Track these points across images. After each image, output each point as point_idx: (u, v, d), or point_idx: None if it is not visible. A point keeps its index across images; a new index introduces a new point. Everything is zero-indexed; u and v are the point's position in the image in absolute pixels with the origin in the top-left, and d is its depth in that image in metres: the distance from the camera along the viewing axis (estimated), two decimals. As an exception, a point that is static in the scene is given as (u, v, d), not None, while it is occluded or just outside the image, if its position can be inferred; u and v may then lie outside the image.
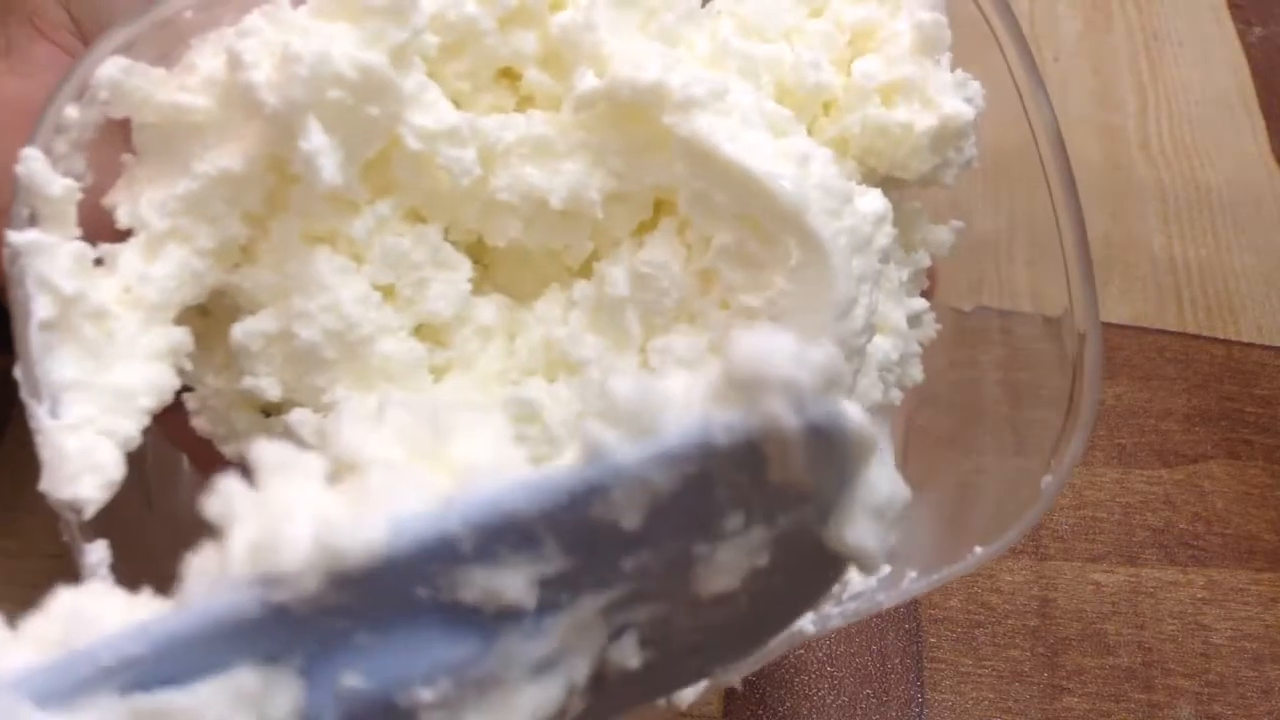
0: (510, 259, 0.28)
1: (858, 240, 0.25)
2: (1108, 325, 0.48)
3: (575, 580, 0.15)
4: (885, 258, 0.27)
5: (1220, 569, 0.42)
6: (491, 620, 0.15)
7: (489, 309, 0.27)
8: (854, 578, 0.25)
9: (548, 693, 0.16)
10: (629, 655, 0.17)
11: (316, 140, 0.23)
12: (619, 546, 0.15)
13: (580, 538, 0.15)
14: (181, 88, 0.25)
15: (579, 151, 0.25)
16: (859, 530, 0.15)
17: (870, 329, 0.26)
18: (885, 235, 0.26)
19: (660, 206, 0.27)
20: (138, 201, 0.25)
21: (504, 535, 0.14)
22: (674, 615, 0.17)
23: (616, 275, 0.26)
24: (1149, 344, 0.48)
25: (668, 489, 0.15)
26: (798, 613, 0.19)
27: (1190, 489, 0.44)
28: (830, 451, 0.15)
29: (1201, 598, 0.41)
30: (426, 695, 0.15)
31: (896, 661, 0.38)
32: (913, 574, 0.27)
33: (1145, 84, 0.57)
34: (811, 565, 0.17)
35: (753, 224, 0.25)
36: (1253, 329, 0.49)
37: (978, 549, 0.27)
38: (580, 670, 0.16)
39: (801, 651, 0.38)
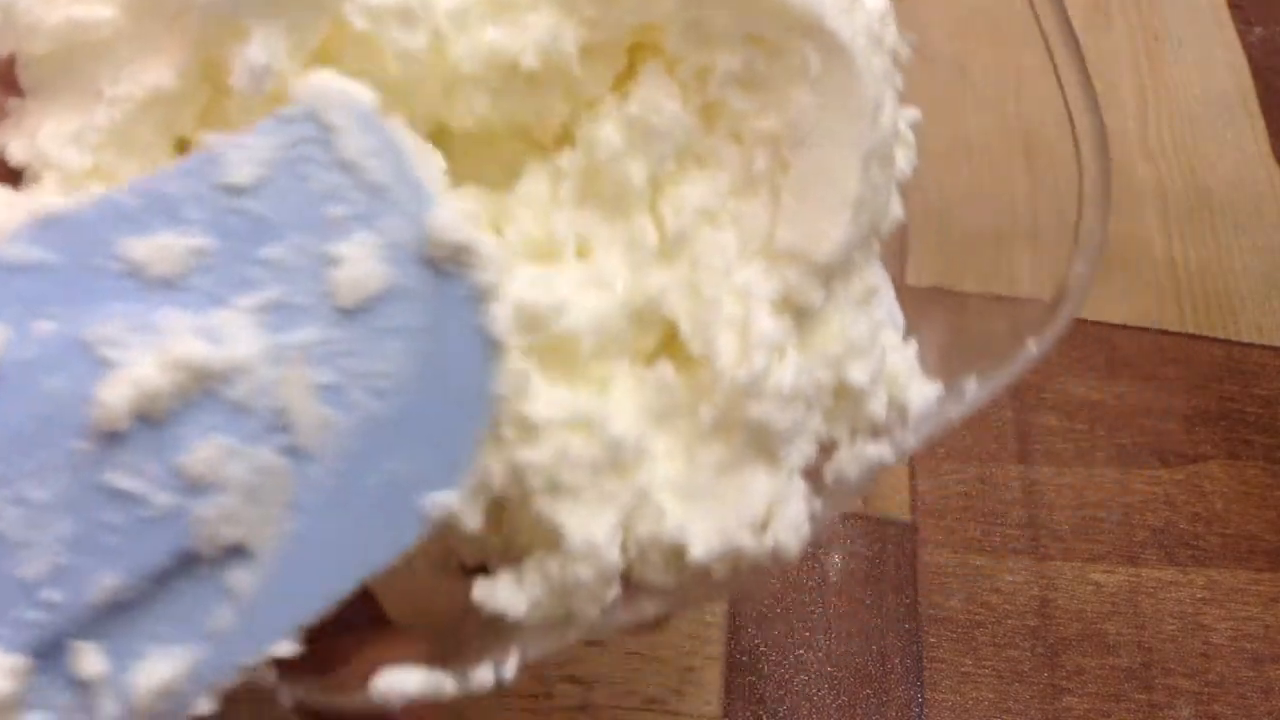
0: (475, 145, 0.24)
1: (872, 38, 0.23)
2: (1108, 325, 0.48)
3: (226, 268, 0.18)
4: (894, 57, 0.25)
5: (1220, 569, 0.42)
6: (161, 287, 0.18)
7: (467, 202, 0.23)
8: (913, 399, 0.24)
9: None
10: (309, 403, 0.18)
11: (259, 34, 0.20)
12: (251, 231, 0.18)
13: (216, 214, 0.18)
14: (77, 1, 0.21)
15: (545, 2, 0.23)
16: (445, 218, 0.18)
17: (895, 132, 0.24)
18: (891, 32, 0.25)
19: (636, 53, 0.24)
20: (34, 136, 0.22)
21: (157, 207, 0.18)
22: (341, 348, 0.18)
23: (606, 131, 0.23)
24: (1149, 344, 0.48)
25: (268, 157, 0.19)
26: (478, 404, 0.19)
27: (1190, 489, 0.44)
28: (391, 154, 0.19)
29: (1201, 598, 0.41)
30: (107, 329, 0.17)
31: (896, 661, 0.38)
32: (973, 381, 0.26)
33: (1145, 84, 0.57)
34: (464, 342, 0.19)
35: (759, 42, 0.23)
36: (1253, 329, 0.49)
37: (1030, 342, 0.26)
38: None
39: (801, 651, 0.38)
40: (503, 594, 0.20)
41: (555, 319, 0.20)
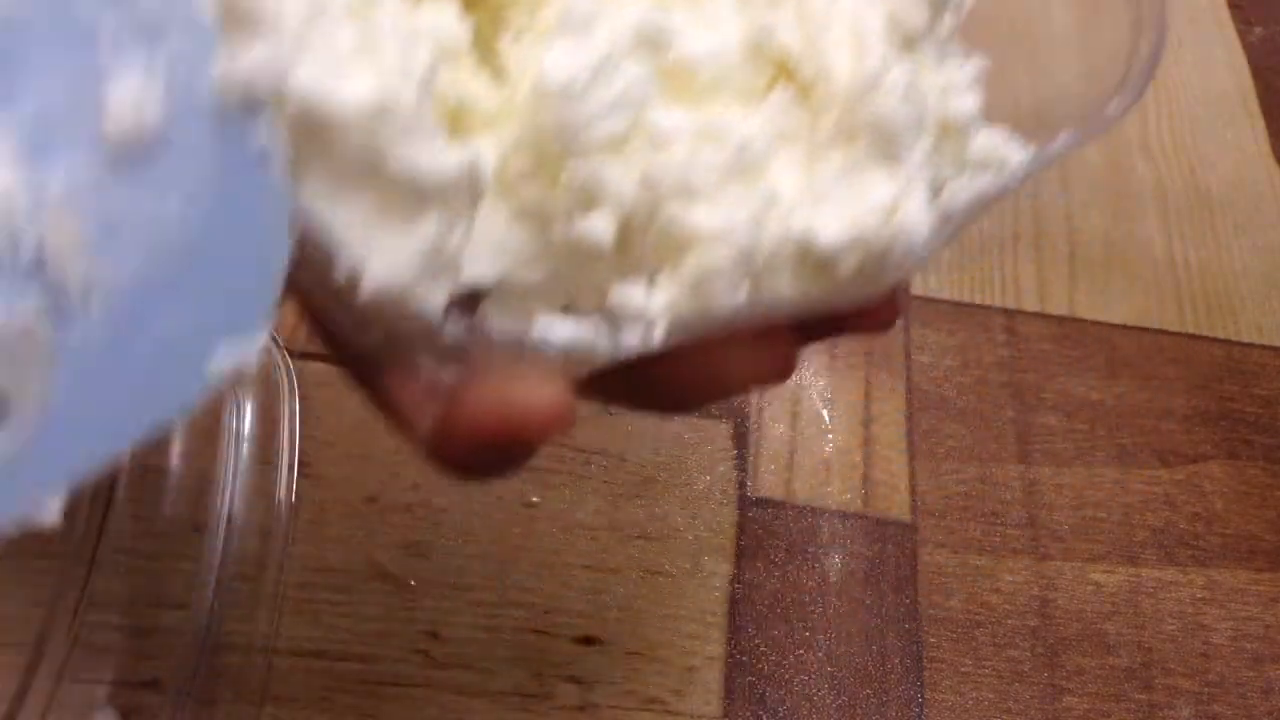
0: None
1: None
2: (1108, 325, 0.48)
3: None
4: None
5: (1220, 569, 0.42)
6: None
7: None
8: (1005, 145, 0.23)
9: None
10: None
11: None
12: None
13: None
14: None
15: None
16: (232, 63, 0.16)
17: None
18: None
19: None
20: None
21: None
22: (113, 191, 0.16)
23: None
24: (1149, 344, 0.48)
25: None
26: (270, 255, 0.17)
27: (1190, 489, 0.44)
28: None
29: (1201, 598, 0.41)
30: None
31: (896, 661, 0.38)
32: (1064, 134, 0.24)
33: (1145, 84, 0.57)
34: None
35: None
36: (1253, 329, 0.49)
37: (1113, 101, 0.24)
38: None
39: (801, 651, 0.38)
40: (637, 294, 0.19)
41: (671, 42, 0.20)
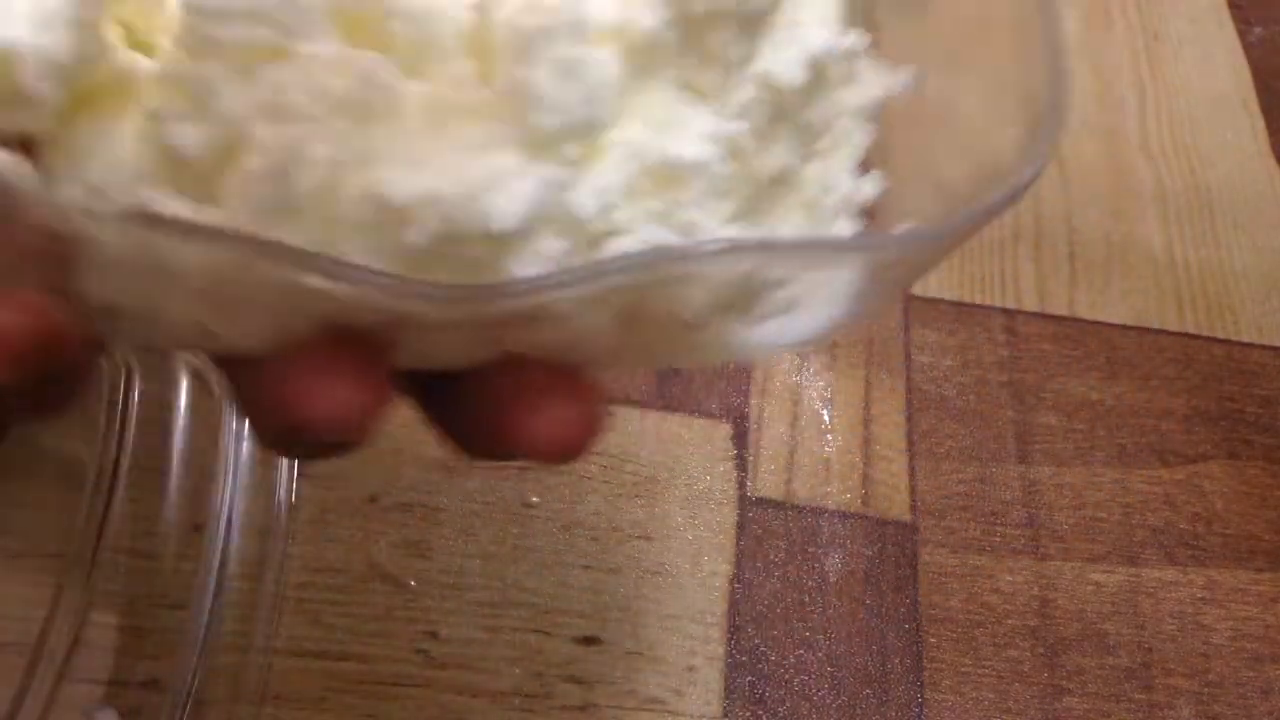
0: None
1: None
2: (1108, 325, 0.48)
3: None
4: None
5: (1220, 569, 0.42)
6: None
7: None
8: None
9: None
10: None
11: None
12: None
13: None
14: None
15: None
16: None
17: None
18: None
19: None
20: None
21: None
22: None
23: None
24: (1149, 344, 0.48)
25: None
26: None
27: (1190, 489, 0.44)
28: None
29: (1201, 598, 0.41)
30: None
31: (896, 661, 0.38)
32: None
33: (1145, 84, 0.57)
34: None
35: None
36: (1253, 329, 0.49)
37: None
38: None
39: (801, 651, 0.38)
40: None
41: None
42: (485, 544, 0.38)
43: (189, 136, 0.17)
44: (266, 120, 0.17)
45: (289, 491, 0.38)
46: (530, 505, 0.39)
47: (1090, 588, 0.41)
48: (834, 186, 0.22)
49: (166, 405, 0.38)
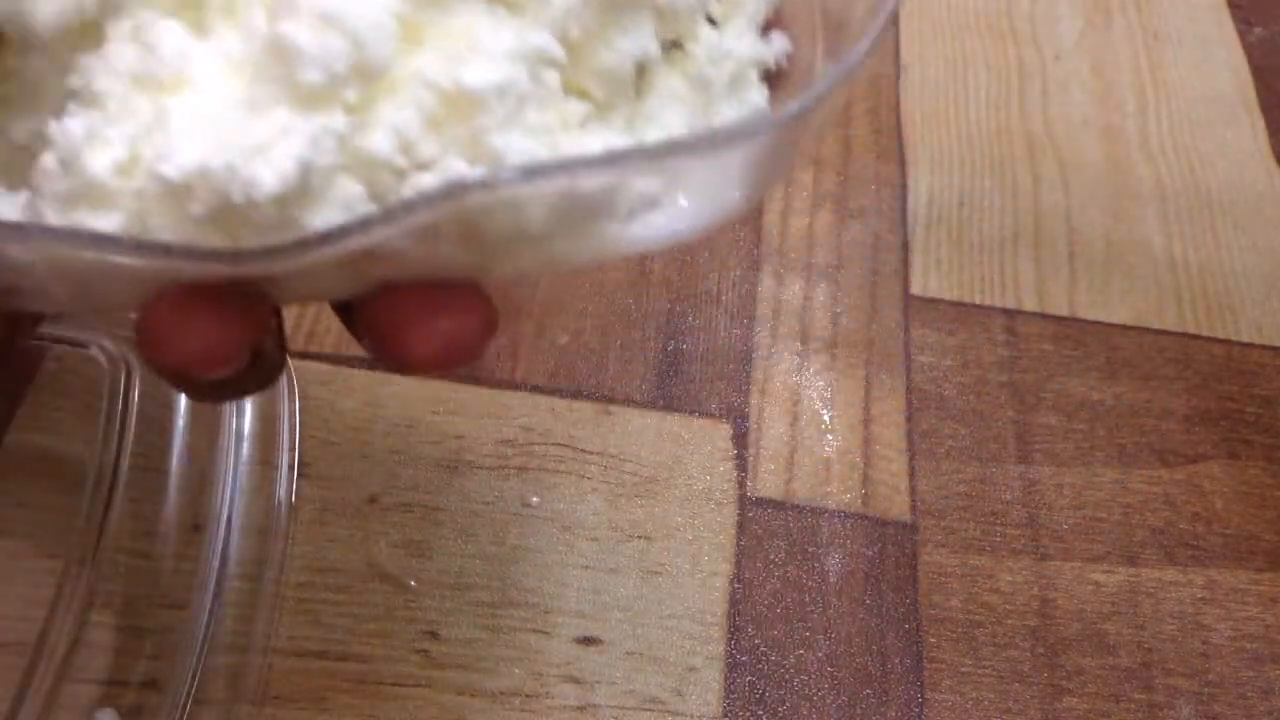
0: None
1: None
2: (1108, 325, 0.48)
3: None
4: None
5: (1220, 569, 0.42)
6: None
7: None
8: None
9: None
10: None
11: None
12: None
13: None
14: None
15: None
16: None
17: None
18: None
19: None
20: None
21: None
22: None
23: None
24: (1149, 344, 0.48)
25: None
26: None
27: (1190, 489, 0.44)
28: None
29: (1201, 598, 0.41)
30: None
31: (896, 661, 0.38)
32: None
33: (1145, 84, 0.57)
34: None
35: None
36: (1253, 329, 0.49)
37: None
38: None
39: (801, 651, 0.38)
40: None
41: None
42: (485, 544, 0.38)
43: (19, 132, 0.18)
44: (80, 106, 0.17)
45: (289, 491, 0.38)
46: (530, 505, 0.39)
47: (1090, 588, 0.41)
48: (727, 55, 0.21)
49: (166, 405, 0.38)
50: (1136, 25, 0.60)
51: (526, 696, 0.36)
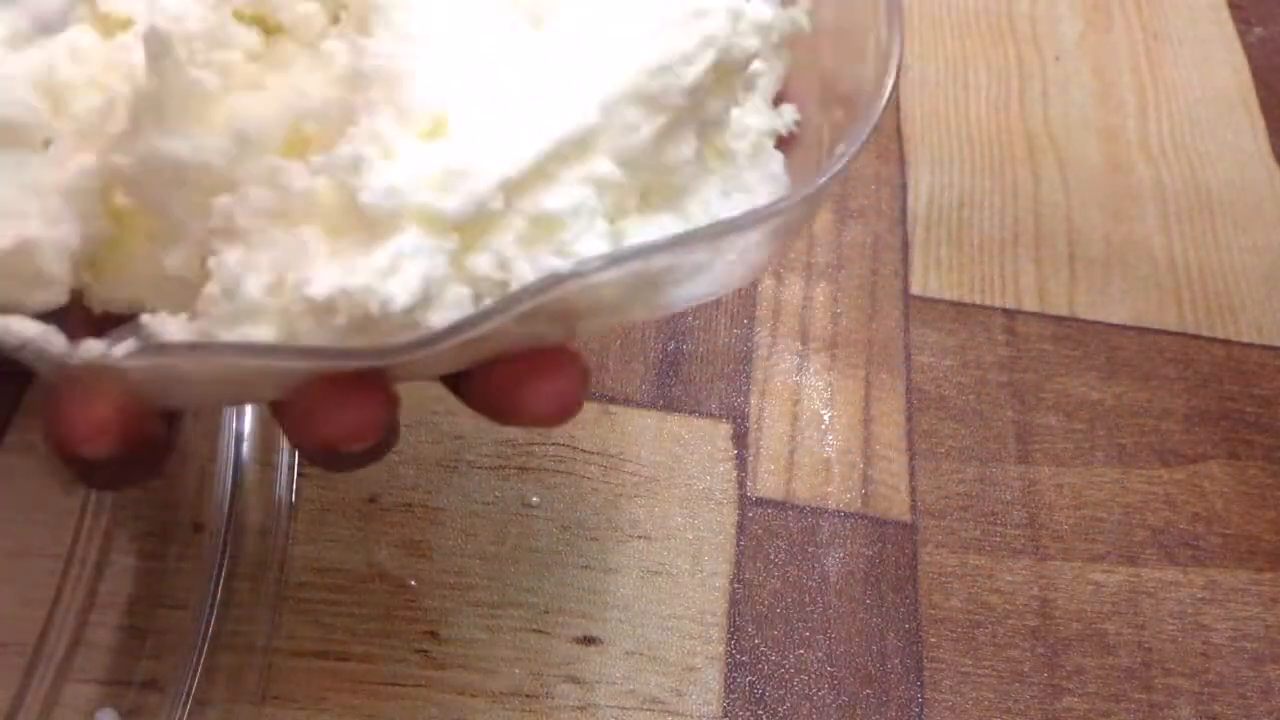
0: None
1: None
2: (1108, 325, 0.48)
3: None
4: None
5: (1220, 569, 0.42)
6: None
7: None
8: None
9: None
10: None
11: None
12: None
13: None
14: None
15: None
16: None
17: None
18: None
19: None
20: None
21: None
22: None
23: None
24: (1149, 344, 0.48)
25: None
26: None
27: (1190, 489, 0.44)
28: None
29: (1201, 598, 0.41)
30: None
31: (896, 661, 0.38)
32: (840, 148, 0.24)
33: (1145, 84, 0.57)
34: None
35: None
36: (1253, 329, 0.49)
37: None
38: None
39: (801, 651, 0.38)
40: (159, 322, 0.21)
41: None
42: (485, 544, 0.38)
43: (176, 258, 0.21)
44: (223, 242, 0.21)
45: (289, 491, 0.38)
46: (530, 505, 0.39)
47: (1090, 588, 0.41)
48: (747, 129, 0.25)
49: (166, 405, 0.38)
50: (1136, 25, 0.59)
51: (526, 696, 0.36)
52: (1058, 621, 0.40)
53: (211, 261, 0.21)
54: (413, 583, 0.37)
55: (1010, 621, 0.40)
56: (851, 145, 0.22)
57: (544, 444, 0.41)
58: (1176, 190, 0.53)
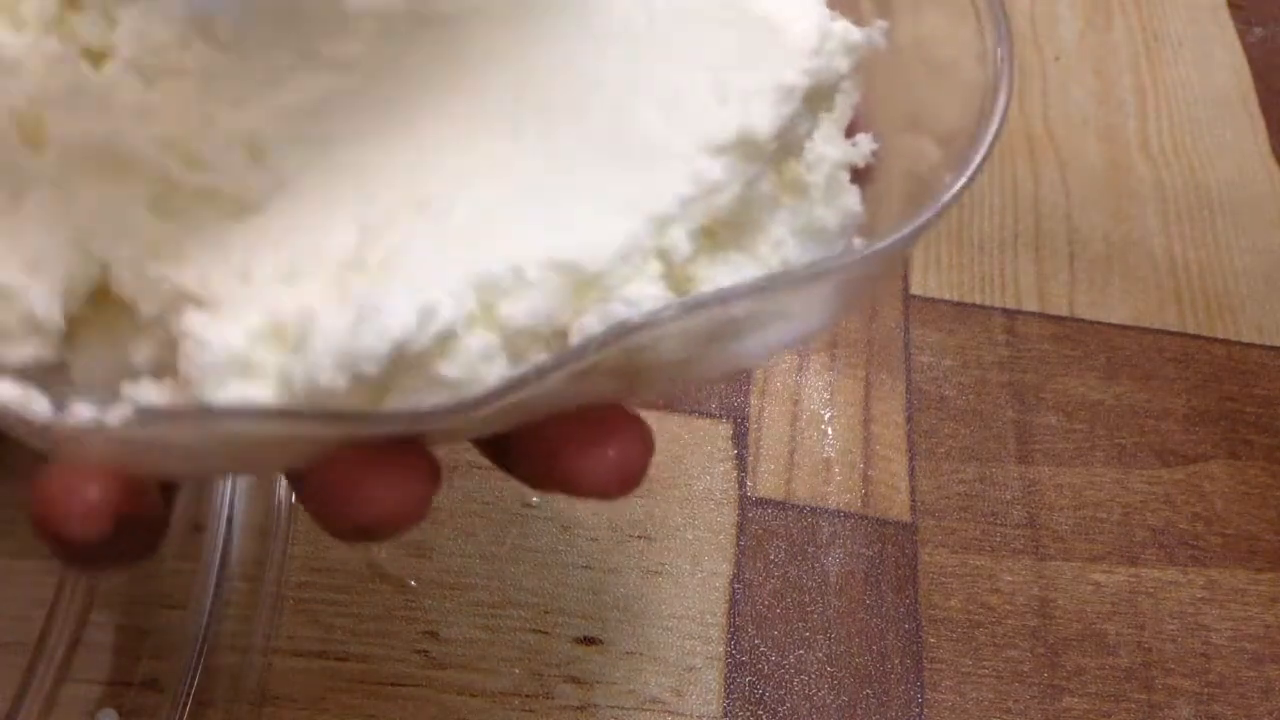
0: None
1: None
2: (1108, 325, 0.48)
3: None
4: None
5: (1220, 569, 0.42)
6: None
7: None
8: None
9: None
10: None
11: None
12: None
13: None
14: None
15: None
16: None
17: None
18: None
19: None
20: None
21: None
22: None
23: None
24: (1149, 344, 0.48)
25: None
26: None
27: (1190, 489, 0.44)
28: None
29: (1201, 598, 0.41)
30: None
31: (896, 661, 0.38)
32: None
33: (1145, 84, 0.57)
34: None
35: None
36: (1253, 329, 0.49)
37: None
38: None
39: (801, 651, 0.38)
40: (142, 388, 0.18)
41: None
42: (485, 544, 0.38)
43: (139, 358, 0.19)
44: (283, 283, 0.18)
45: (289, 491, 0.38)
46: (530, 505, 0.39)
47: (1090, 588, 0.41)
48: (820, 160, 0.22)
49: (166, 405, 0.38)
50: (1136, 25, 0.59)
51: (526, 696, 0.36)
52: (1058, 621, 0.40)
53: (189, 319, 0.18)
54: (412, 583, 0.37)
55: (1010, 621, 0.40)
56: (962, 173, 0.20)
57: (544, 444, 0.41)
58: (1176, 190, 0.53)
